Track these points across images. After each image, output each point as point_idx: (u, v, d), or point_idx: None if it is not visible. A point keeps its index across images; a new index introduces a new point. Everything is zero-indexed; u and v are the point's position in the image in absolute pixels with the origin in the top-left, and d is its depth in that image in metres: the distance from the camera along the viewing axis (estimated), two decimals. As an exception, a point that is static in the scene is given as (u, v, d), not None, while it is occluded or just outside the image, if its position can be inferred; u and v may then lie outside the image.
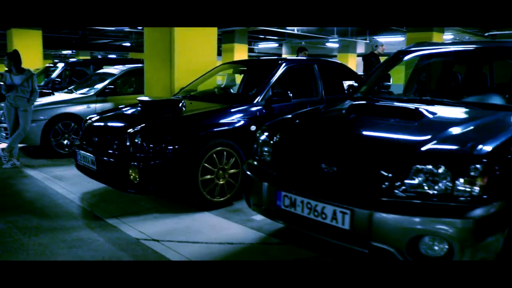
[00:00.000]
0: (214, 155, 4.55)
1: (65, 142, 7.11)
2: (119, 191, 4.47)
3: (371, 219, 2.70)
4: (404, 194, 2.69)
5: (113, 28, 14.28)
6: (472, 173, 2.56)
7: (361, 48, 20.95)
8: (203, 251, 3.62)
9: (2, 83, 8.67)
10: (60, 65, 9.66)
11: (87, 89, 7.74)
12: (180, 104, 5.02)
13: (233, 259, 3.50)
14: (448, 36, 16.54)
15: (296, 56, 9.16)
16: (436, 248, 2.58)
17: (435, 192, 2.63)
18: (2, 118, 6.99)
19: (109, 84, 7.52)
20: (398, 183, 2.71)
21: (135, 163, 4.23)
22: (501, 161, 2.67)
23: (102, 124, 4.97)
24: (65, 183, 5.63)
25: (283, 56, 21.35)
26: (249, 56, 17.22)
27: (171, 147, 4.31)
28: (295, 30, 16.08)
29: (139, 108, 5.22)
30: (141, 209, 4.62)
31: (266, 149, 3.54)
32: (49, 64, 10.31)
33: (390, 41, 16.08)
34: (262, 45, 22.49)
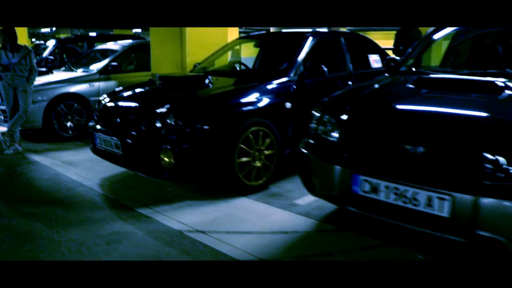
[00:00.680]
0: (251, 135, 4.13)
1: (68, 124, 6.55)
2: (148, 177, 4.02)
3: (478, 205, 2.35)
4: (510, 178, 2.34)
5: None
6: None
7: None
8: (257, 242, 3.23)
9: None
10: (51, 43, 8.96)
11: (87, 67, 7.14)
12: (207, 81, 4.55)
13: (294, 250, 3.12)
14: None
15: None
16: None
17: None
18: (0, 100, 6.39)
19: (112, 60, 6.94)
20: (504, 166, 2.36)
21: (168, 146, 3.78)
22: None
23: (123, 104, 4.48)
24: (78, 168, 5.13)
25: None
26: (240, 33, 16.59)
27: (207, 127, 3.87)
28: None
29: (159, 85, 4.73)
30: (171, 196, 4.19)
31: (330, 128, 3.14)
32: (39, 41, 9.58)
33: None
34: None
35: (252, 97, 4.26)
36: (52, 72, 6.92)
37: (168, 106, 3.96)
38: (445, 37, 4.72)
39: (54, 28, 21.39)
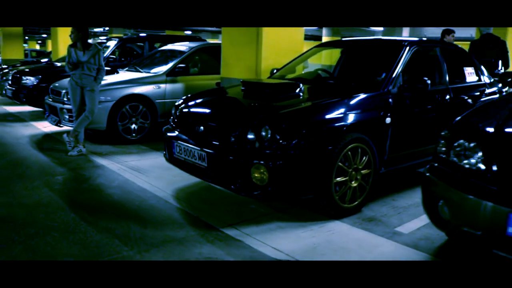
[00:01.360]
0: (349, 153, 3.63)
1: (133, 126, 6.20)
2: (236, 194, 3.56)
3: None
4: None
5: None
6: None
7: (406, 32, 19.74)
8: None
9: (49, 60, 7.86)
10: (112, 42, 8.72)
11: (152, 67, 6.79)
12: (297, 90, 4.07)
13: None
14: None
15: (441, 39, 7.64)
16: None
17: None
18: (65, 99, 6.10)
19: (179, 62, 6.57)
20: None
21: (261, 161, 3.32)
22: None
23: (206, 110, 4.06)
24: (147, 176, 4.74)
25: (324, 39, 20.20)
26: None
27: (306, 142, 3.39)
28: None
29: (242, 92, 4.29)
30: (257, 215, 3.72)
31: (469, 154, 2.60)
32: (100, 40, 9.37)
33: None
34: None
35: (351, 110, 3.75)
36: (117, 72, 6.61)
37: (263, 116, 3.50)
38: None
39: (107, 28, 21.48)
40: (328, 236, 3.35)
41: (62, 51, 11.23)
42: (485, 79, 5.31)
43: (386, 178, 4.17)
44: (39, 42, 35.55)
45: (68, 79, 6.70)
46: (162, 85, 6.36)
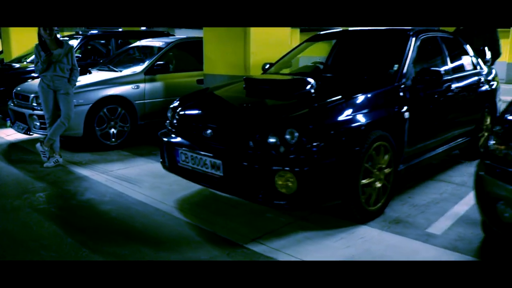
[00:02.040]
0: (373, 152, 3.32)
1: (112, 131, 5.63)
2: (259, 204, 3.18)
3: None
4: None
5: None
6: None
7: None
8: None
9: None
10: (74, 41, 7.97)
11: (127, 66, 6.21)
12: (309, 86, 3.70)
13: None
14: None
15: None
16: None
17: None
18: (35, 104, 5.43)
19: (157, 59, 6.02)
20: None
21: (287, 168, 2.94)
22: None
23: (212, 112, 3.62)
24: (140, 187, 4.24)
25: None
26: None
27: (335, 144, 3.04)
28: None
29: (245, 90, 3.89)
30: (278, 225, 3.34)
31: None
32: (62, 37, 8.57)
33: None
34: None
35: (372, 106, 3.43)
36: (90, 72, 5.98)
37: (285, 117, 3.12)
38: None
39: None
40: (362, 245, 3.03)
41: (16, 51, 10.27)
42: (481, 67, 5.15)
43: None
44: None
45: (35, 81, 6.05)
46: (141, 85, 5.81)
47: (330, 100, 3.29)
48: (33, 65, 7.40)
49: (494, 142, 2.57)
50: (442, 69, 4.36)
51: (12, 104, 5.90)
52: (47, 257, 2.87)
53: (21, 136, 6.36)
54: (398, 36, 4.27)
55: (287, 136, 3.00)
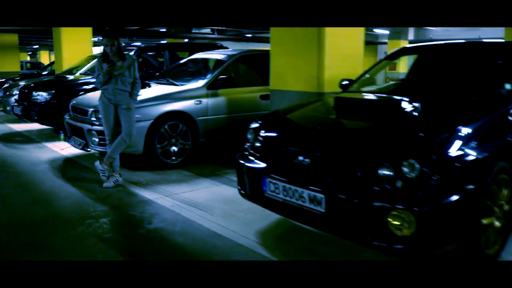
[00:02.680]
0: (495, 186, 2.74)
1: (172, 148, 5.20)
2: (369, 248, 2.63)
3: None
4: None
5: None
6: None
7: (412, 35, 19.03)
8: None
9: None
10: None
11: (188, 79, 5.80)
12: (412, 108, 3.14)
13: None
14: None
15: None
16: None
17: None
18: (93, 119, 5.07)
19: (220, 73, 5.58)
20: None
21: (404, 206, 2.39)
22: None
23: (307, 136, 3.10)
24: (211, 214, 3.76)
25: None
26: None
27: (460, 178, 2.49)
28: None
29: (338, 110, 3.37)
30: (385, 272, 2.78)
31: None
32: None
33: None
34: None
35: (492, 132, 2.87)
36: (149, 86, 5.60)
37: (403, 145, 2.58)
38: None
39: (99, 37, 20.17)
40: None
41: (67, 62, 10.12)
42: None
43: None
44: (29, 53, 33.97)
45: (93, 94, 5.72)
46: (204, 100, 5.38)
47: (448, 126, 2.72)
48: (92, 77, 7.18)
49: None
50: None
51: (68, 118, 5.57)
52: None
53: (75, 151, 6.03)
54: (503, 49, 3.68)
55: (405, 169, 2.45)
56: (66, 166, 5.46)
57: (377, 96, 3.67)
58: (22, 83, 8.80)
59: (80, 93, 6.91)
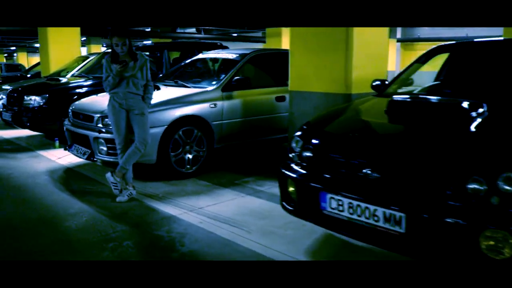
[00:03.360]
0: None
1: (187, 156, 4.74)
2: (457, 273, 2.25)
3: None
4: None
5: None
6: None
7: (399, 33, 18.88)
8: None
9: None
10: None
11: (199, 81, 5.35)
12: (482, 111, 2.79)
13: None
14: None
15: None
16: None
17: None
18: (100, 125, 4.56)
19: (235, 73, 5.14)
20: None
21: (500, 226, 2.03)
22: None
23: (368, 144, 2.70)
24: (247, 232, 3.34)
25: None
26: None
27: None
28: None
29: (393, 115, 2.99)
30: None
31: None
32: (107, 49, 7.77)
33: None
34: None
35: None
36: (159, 88, 5.11)
37: (496, 155, 2.21)
38: None
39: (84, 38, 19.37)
40: None
41: (55, 64, 9.49)
42: None
43: None
44: (5, 55, 32.63)
45: (95, 98, 5.22)
46: (219, 103, 4.93)
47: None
48: (85, 80, 6.66)
49: None
50: None
51: (69, 124, 5.05)
52: None
53: (75, 160, 5.50)
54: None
55: (502, 183, 2.09)
56: (68, 178, 4.94)
57: (437, 99, 3.28)
58: (7, 87, 8.17)
59: (74, 97, 6.38)
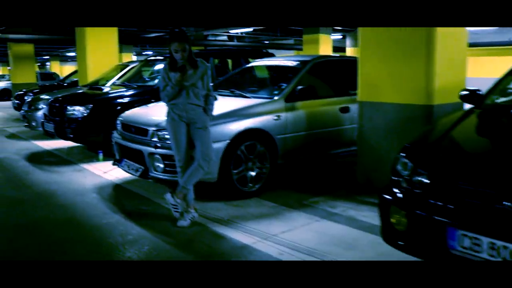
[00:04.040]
0: None
1: (249, 174, 4.27)
2: None
3: None
4: None
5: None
6: None
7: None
8: None
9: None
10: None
11: (257, 90, 4.90)
12: None
13: None
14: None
15: None
16: None
17: None
18: (155, 139, 4.13)
19: (298, 82, 4.66)
20: None
21: None
22: None
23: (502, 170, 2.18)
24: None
25: (348, 49, 18.47)
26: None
27: None
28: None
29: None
30: None
31: None
32: (153, 58, 7.41)
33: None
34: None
35: None
36: (216, 98, 4.66)
37: None
38: None
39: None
40: None
41: (93, 72, 9.20)
42: None
43: None
44: (39, 64, 33.04)
45: (142, 109, 4.82)
46: (282, 114, 4.45)
47: None
48: (127, 89, 6.28)
49: None
50: None
51: (119, 138, 4.64)
52: None
53: (123, 175, 5.08)
54: None
55: None
56: (119, 196, 4.52)
57: None
58: (46, 96, 7.91)
59: (118, 107, 6.01)
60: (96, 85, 8.14)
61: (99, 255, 3.11)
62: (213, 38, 18.26)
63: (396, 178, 2.59)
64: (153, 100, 5.97)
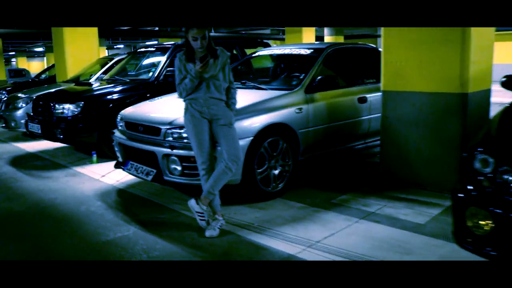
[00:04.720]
0: None
1: (272, 172, 3.88)
2: None
3: None
4: None
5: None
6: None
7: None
8: None
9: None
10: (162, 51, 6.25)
11: (272, 81, 4.49)
12: None
13: None
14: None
15: None
16: None
17: None
18: (171, 138, 3.67)
19: (317, 72, 4.29)
20: None
21: None
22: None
23: None
24: None
25: (326, 38, 18.20)
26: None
27: None
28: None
29: None
30: None
31: None
32: (143, 49, 6.83)
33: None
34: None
35: None
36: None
37: None
38: None
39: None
40: None
41: (73, 67, 8.53)
42: None
43: None
44: (4, 60, 31.17)
45: (147, 104, 4.36)
46: (304, 107, 4.07)
47: None
48: (115, 85, 5.72)
49: None
50: None
51: (122, 137, 4.16)
52: None
53: (122, 177, 4.61)
54: None
55: None
56: (126, 203, 4.03)
57: None
58: (23, 95, 7.23)
59: (110, 104, 5.49)
60: (78, 80, 7.54)
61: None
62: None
63: (473, 177, 2.28)
64: (148, 95, 5.49)
